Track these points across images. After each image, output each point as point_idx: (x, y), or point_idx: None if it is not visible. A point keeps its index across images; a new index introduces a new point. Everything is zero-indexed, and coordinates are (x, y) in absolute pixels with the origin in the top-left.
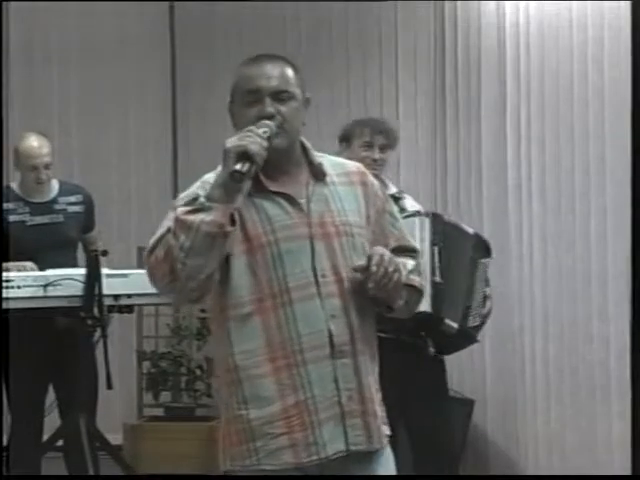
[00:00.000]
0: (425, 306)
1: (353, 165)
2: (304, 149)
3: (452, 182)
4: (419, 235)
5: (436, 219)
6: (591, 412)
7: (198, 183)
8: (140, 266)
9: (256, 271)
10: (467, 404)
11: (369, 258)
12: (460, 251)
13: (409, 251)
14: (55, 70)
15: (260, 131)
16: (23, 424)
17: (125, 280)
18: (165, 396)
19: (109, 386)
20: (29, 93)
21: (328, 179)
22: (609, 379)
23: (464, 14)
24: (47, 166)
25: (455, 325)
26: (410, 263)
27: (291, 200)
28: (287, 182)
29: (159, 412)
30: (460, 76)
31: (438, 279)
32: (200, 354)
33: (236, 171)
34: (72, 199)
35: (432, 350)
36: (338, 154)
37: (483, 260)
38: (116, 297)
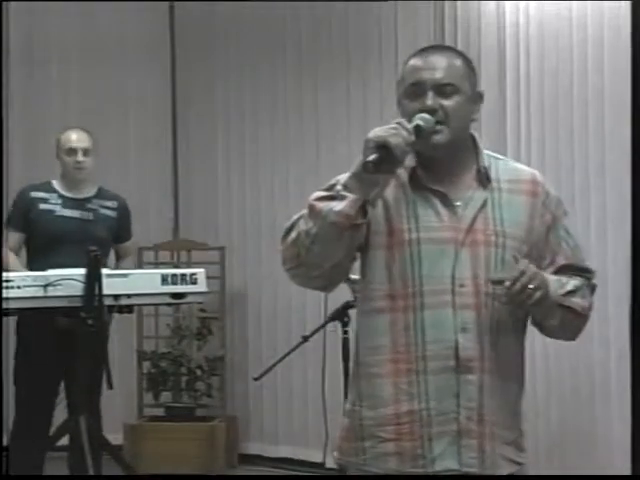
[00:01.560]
0: None
1: (529, 173)
2: (476, 150)
3: None
4: None
5: None
6: (591, 412)
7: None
8: (140, 266)
9: (392, 267)
10: None
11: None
12: None
13: (580, 270)
14: (55, 70)
15: (410, 125)
16: (23, 425)
17: (125, 280)
18: (165, 396)
19: (110, 386)
20: (28, 93)
21: (494, 184)
22: (609, 379)
23: (464, 14)
24: (86, 152)
25: None
26: (572, 283)
27: (446, 201)
28: (448, 182)
29: (159, 412)
30: None
31: None
32: (200, 354)
33: (368, 162)
34: (107, 203)
35: None
36: None
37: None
38: (116, 297)
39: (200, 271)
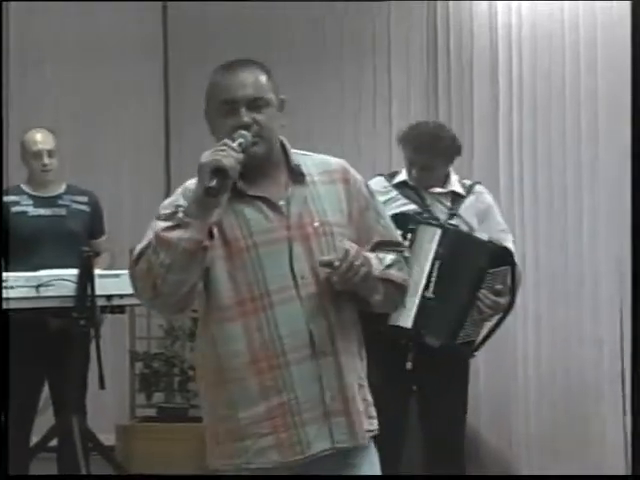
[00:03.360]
0: (405, 321)
1: (336, 163)
2: (284, 150)
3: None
4: (426, 246)
5: (450, 231)
6: (583, 413)
7: (179, 190)
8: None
9: (236, 275)
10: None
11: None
12: (468, 263)
13: (394, 245)
14: (48, 71)
15: (235, 144)
16: (12, 424)
17: (117, 281)
18: (158, 397)
19: (102, 386)
20: (22, 93)
21: (308, 179)
22: (601, 380)
23: (456, 15)
24: (51, 153)
25: (436, 341)
26: (389, 257)
27: (270, 203)
28: (266, 185)
29: (152, 413)
30: (453, 77)
31: (429, 294)
32: (193, 355)
33: (211, 187)
34: (78, 198)
35: (409, 364)
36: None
37: (493, 270)
38: (108, 297)
39: None
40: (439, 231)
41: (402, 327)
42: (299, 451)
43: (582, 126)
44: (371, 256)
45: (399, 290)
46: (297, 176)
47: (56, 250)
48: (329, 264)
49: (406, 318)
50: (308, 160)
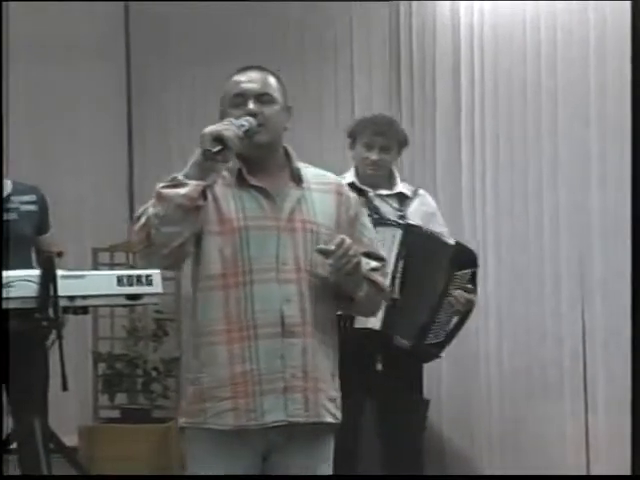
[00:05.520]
0: (374, 323)
1: (333, 177)
2: (287, 155)
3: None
4: (388, 246)
5: (412, 231)
6: (545, 411)
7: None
8: (95, 267)
9: (225, 251)
10: (423, 404)
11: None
12: (433, 264)
13: (376, 258)
14: (4, 70)
15: (238, 123)
16: None
17: (80, 281)
18: (121, 398)
19: (65, 388)
20: None
21: (305, 185)
22: (562, 378)
23: (419, 14)
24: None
25: (407, 342)
26: (373, 263)
27: (267, 194)
28: (267, 180)
29: (115, 414)
30: (415, 77)
31: (395, 295)
32: (156, 355)
33: (208, 150)
34: (26, 198)
35: (379, 366)
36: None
37: (461, 272)
38: (71, 298)
39: (155, 272)
40: (400, 231)
41: (371, 329)
42: (253, 418)
43: (543, 126)
44: (362, 257)
45: (380, 294)
46: (296, 179)
47: (11, 256)
48: (325, 251)
49: (375, 320)
50: (308, 170)
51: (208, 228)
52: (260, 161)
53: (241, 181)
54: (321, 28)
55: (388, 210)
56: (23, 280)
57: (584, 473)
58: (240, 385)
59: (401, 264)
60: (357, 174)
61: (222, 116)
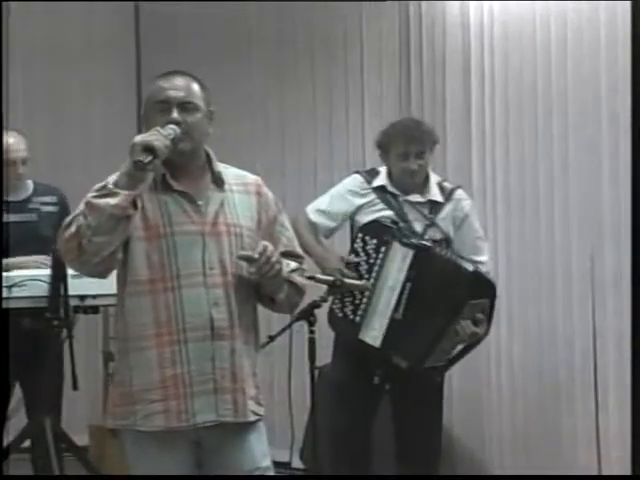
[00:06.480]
0: (374, 340)
1: (252, 177)
2: (209, 159)
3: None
4: (398, 265)
5: (425, 254)
6: (556, 411)
7: (113, 175)
8: None
9: (151, 256)
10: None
11: (255, 248)
12: (445, 289)
13: (295, 256)
14: (19, 70)
15: (165, 132)
16: None
17: (91, 281)
18: None
19: (75, 387)
20: None
21: (227, 187)
22: (573, 378)
23: (428, 14)
24: (24, 161)
25: (405, 363)
26: (293, 264)
27: (191, 200)
28: (190, 184)
29: None
30: (425, 76)
31: (399, 316)
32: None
33: (139, 161)
34: (46, 199)
35: (377, 379)
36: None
37: (475, 302)
38: (82, 298)
39: None
40: (411, 253)
41: (371, 346)
42: (184, 419)
43: (554, 124)
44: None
45: (299, 294)
46: (218, 181)
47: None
48: (248, 258)
49: (375, 337)
50: (228, 171)
51: (134, 234)
52: (183, 166)
53: (165, 186)
54: (331, 28)
55: (417, 217)
56: (34, 280)
57: (595, 473)
58: (171, 387)
59: (408, 285)
60: (390, 178)
61: (145, 119)
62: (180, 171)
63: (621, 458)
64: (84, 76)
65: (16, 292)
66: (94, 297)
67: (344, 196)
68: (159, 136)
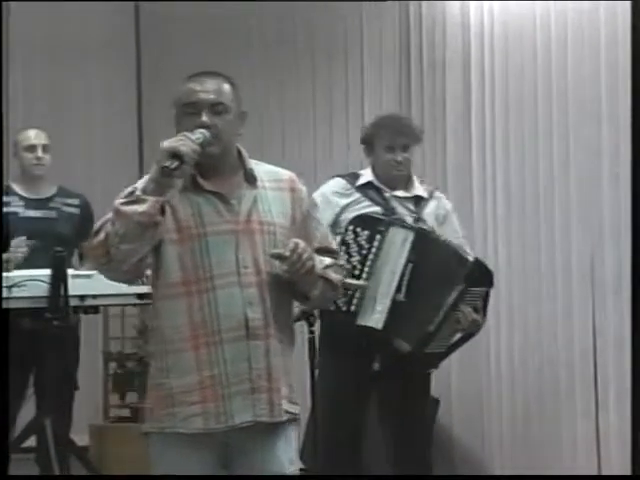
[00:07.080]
0: (376, 322)
1: (285, 173)
2: (240, 156)
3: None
4: (398, 248)
5: (425, 237)
6: (556, 411)
7: (142, 179)
8: None
9: (184, 259)
10: (432, 404)
11: (286, 246)
12: (446, 274)
13: (330, 252)
14: (19, 70)
15: (193, 137)
16: None
17: (91, 281)
18: (131, 397)
19: (75, 387)
20: None
21: (259, 184)
22: (573, 378)
23: (429, 14)
24: (45, 148)
25: (407, 346)
26: (327, 260)
27: (223, 199)
28: (221, 183)
29: (125, 413)
30: (425, 76)
31: (401, 297)
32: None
33: (165, 167)
34: (69, 201)
35: (376, 365)
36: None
37: (474, 289)
38: (82, 298)
39: None
40: (411, 234)
41: (372, 328)
42: (223, 421)
43: (554, 124)
44: (315, 255)
45: (335, 290)
46: (250, 179)
47: (45, 253)
48: (279, 256)
49: (377, 319)
50: (261, 168)
51: (166, 236)
52: (213, 166)
53: (196, 187)
54: (331, 28)
55: (404, 212)
56: (34, 280)
57: (595, 473)
58: (208, 389)
59: (409, 267)
60: (375, 174)
61: (176, 121)
62: (211, 171)
63: (621, 458)
64: (84, 76)
65: (16, 292)
66: (94, 297)
67: (329, 198)
68: (187, 141)
